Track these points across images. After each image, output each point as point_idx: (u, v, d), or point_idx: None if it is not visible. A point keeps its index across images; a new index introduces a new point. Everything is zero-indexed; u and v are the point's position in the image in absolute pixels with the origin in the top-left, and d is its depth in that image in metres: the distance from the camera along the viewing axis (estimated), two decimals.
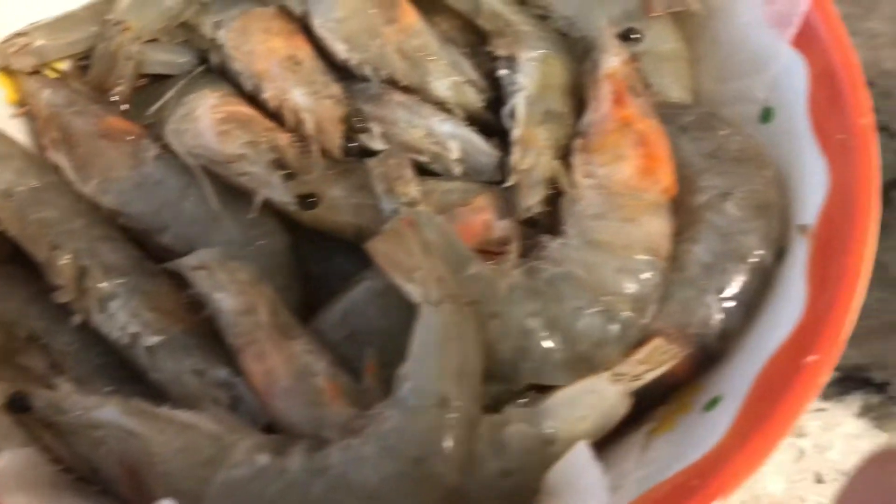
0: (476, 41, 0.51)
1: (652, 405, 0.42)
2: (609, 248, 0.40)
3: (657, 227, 0.41)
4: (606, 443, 0.41)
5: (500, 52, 0.49)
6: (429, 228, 0.41)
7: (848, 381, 0.49)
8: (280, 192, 0.42)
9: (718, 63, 0.50)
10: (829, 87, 0.43)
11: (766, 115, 0.47)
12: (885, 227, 0.54)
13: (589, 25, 0.50)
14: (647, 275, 0.40)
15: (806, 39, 0.45)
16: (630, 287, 0.40)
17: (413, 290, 0.38)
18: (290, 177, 0.43)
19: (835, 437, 0.47)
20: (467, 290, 0.40)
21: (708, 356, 0.41)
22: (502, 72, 0.48)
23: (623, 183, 0.42)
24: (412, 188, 0.42)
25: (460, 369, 0.37)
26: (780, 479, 0.46)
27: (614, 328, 0.39)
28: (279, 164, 0.43)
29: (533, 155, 0.44)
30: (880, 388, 0.49)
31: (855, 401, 0.48)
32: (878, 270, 0.52)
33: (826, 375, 0.35)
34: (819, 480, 0.46)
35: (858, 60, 0.43)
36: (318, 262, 0.48)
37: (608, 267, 0.40)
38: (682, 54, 0.50)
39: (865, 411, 0.48)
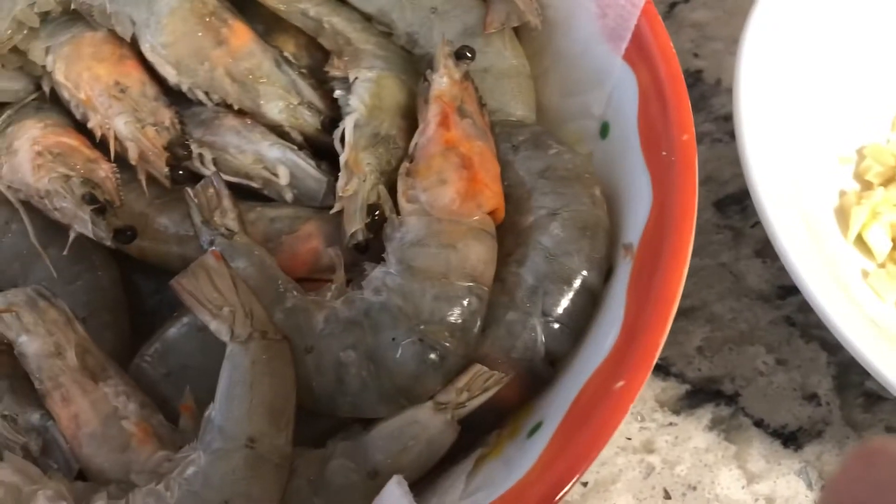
0: (324, 60, 0.50)
1: (487, 430, 0.41)
2: (427, 276, 0.39)
3: (478, 253, 0.40)
4: (439, 471, 0.40)
5: (336, 72, 0.48)
6: (244, 261, 0.40)
7: (699, 394, 0.49)
8: (91, 228, 0.41)
9: (562, 78, 0.49)
10: (654, 102, 0.43)
11: (605, 130, 0.47)
12: (739, 236, 0.54)
13: (430, 42, 0.49)
14: (466, 301, 0.39)
15: (635, 54, 0.45)
16: (449, 314, 0.39)
17: (219, 328, 0.37)
18: (102, 210, 0.41)
19: (684, 451, 0.47)
20: (282, 324, 0.39)
21: (538, 379, 0.41)
22: (338, 93, 0.47)
23: (444, 208, 0.41)
24: (230, 219, 0.41)
25: (270, 407, 0.36)
26: (629, 497, 0.46)
27: (433, 357, 0.39)
28: (91, 198, 0.41)
29: (357, 180, 0.43)
30: (730, 399, 0.49)
31: (705, 414, 0.48)
32: (733, 280, 0.53)
33: (632, 400, 0.35)
34: (667, 496, 0.46)
35: (682, 75, 0.43)
36: (152, 296, 0.47)
37: (426, 295, 0.39)
38: (523, 70, 0.49)
39: (715, 424, 0.48)
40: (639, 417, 0.48)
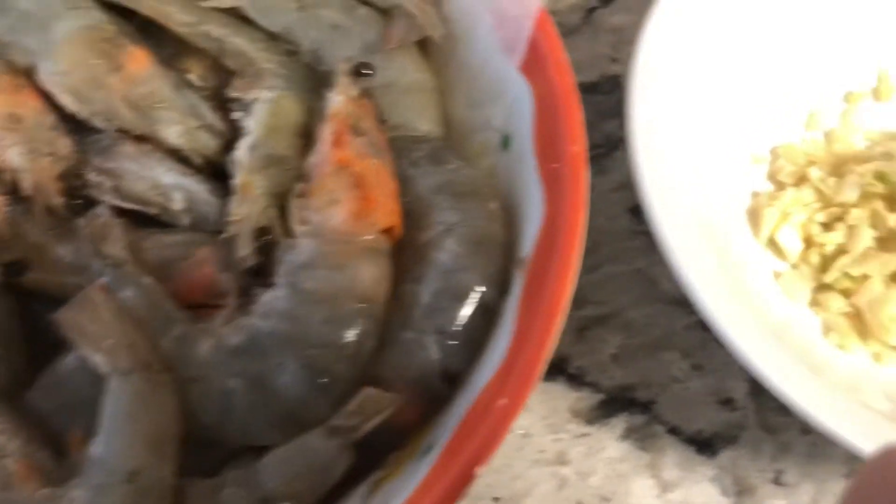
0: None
1: (388, 451, 0.41)
2: (316, 299, 0.39)
3: (370, 273, 0.40)
4: (338, 495, 0.40)
5: (236, 93, 0.48)
6: (132, 290, 0.40)
7: (613, 403, 0.49)
8: None
9: (466, 91, 0.49)
10: (548, 113, 0.43)
11: (506, 142, 0.47)
12: (654, 242, 0.54)
13: (334, 59, 0.49)
14: (357, 323, 0.39)
15: (531, 65, 0.45)
16: (338, 338, 0.39)
17: (100, 361, 0.37)
18: None
19: (598, 462, 0.47)
20: (169, 353, 0.38)
21: (435, 398, 0.40)
22: (237, 114, 0.47)
23: (336, 228, 0.41)
24: (118, 248, 0.41)
25: (152, 440, 0.36)
26: None
27: (321, 382, 0.38)
28: None
29: (248, 203, 0.42)
30: (645, 407, 0.48)
31: (619, 423, 0.48)
32: (648, 285, 0.53)
33: (515, 417, 0.35)
34: None
35: (575, 85, 0.43)
36: (52, 327, 0.47)
37: (315, 318, 0.39)
38: (427, 85, 0.49)
39: (629, 433, 0.48)
40: (552, 429, 0.48)
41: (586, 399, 0.49)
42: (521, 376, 0.36)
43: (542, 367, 0.36)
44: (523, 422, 0.48)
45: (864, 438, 0.39)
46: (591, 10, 0.63)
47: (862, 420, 0.40)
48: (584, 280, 0.51)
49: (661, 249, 0.42)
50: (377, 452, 0.40)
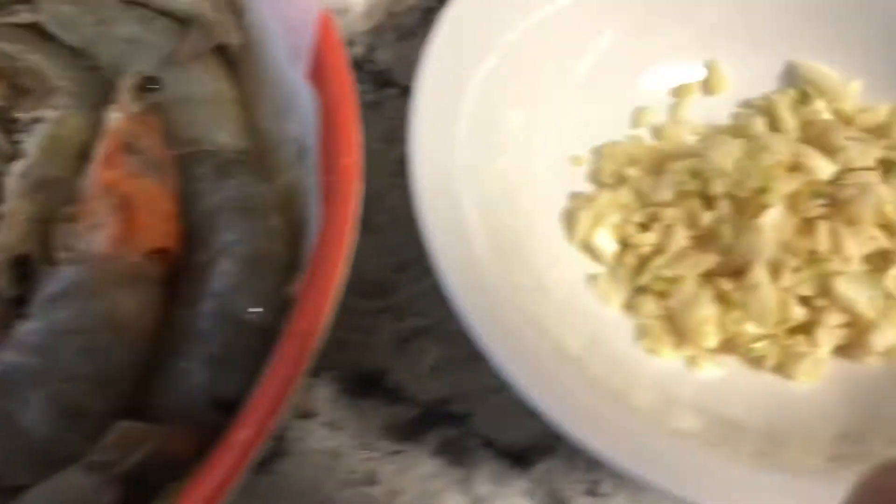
0: None
1: (165, 483, 0.39)
2: (70, 329, 0.37)
3: (131, 300, 0.38)
4: None
5: (20, 112, 0.46)
6: None
7: (428, 418, 0.47)
8: None
9: (269, 101, 0.48)
10: (328, 123, 0.42)
11: (302, 154, 0.45)
12: None
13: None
14: (113, 353, 0.37)
15: (315, 74, 0.43)
16: (91, 369, 0.37)
17: None
18: None
19: (409, 480, 0.45)
20: None
21: (209, 428, 0.39)
22: (20, 136, 0.45)
23: (98, 254, 0.39)
24: None
25: None
26: None
27: (71, 416, 0.37)
28: None
29: (8, 230, 0.40)
30: (460, 420, 0.47)
31: (434, 438, 0.47)
32: None
33: (252, 451, 0.33)
34: None
35: (353, 94, 0.41)
36: None
37: (68, 350, 0.37)
38: (224, 96, 0.47)
39: (443, 448, 0.46)
40: (364, 447, 0.46)
41: (402, 414, 0.47)
42: (266, 404, 0.34)
43: (291, 394, 0.34)
44: (334, 442, 0.46)
45: (668, 478, 0.37)
46: (429, 11, 0.61)
47: (664, 458, 0.38)
48: (408, 291, 0.50)
49: (437, 275, 0.40)
50: (154, 486, 0.39)
